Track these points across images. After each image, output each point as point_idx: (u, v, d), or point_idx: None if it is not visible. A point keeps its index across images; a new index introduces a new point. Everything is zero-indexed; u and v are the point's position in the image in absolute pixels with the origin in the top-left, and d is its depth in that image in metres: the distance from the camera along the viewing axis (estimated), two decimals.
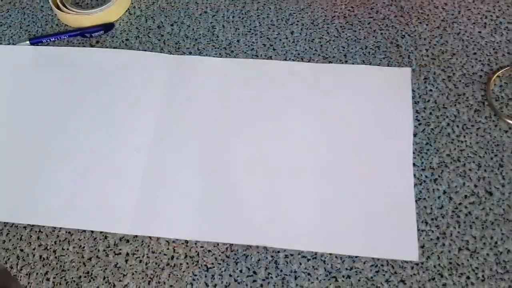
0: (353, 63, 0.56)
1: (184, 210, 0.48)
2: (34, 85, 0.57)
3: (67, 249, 0.47)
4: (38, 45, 0.60)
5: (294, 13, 0.61)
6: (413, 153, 0.50)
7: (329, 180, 0.49)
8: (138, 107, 0.54)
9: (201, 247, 0.47)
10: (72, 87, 0.56)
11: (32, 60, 0.59)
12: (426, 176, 0.49)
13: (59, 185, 0.50)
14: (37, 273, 0.46)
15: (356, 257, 0.45)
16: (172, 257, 0.46)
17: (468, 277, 0.44)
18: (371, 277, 0.44)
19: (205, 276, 0.45)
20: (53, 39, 0.60)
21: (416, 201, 0.48)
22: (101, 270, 0.46)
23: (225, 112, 0.54)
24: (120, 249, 0.47)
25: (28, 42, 0.60)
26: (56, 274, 0.46)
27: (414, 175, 0.49)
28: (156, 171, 0.50)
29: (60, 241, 0.48)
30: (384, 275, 0.44)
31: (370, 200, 0.48)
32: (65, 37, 0.60)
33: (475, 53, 0.57)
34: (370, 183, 0.49)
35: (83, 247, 0.47)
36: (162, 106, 0.54)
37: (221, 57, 0.58)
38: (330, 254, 0.45)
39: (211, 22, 0.61)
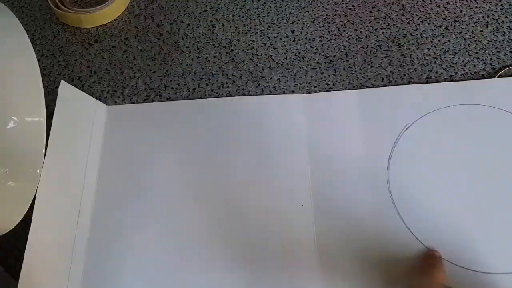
0: (354, 62, 0.56)
1: None
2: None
3: None
4: None
5: (295, 11, 0.61)
6: None
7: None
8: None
9: None
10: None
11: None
12: None
13: None
14: None
15: None
16: None
17: None
18: None
19: None
20: None
21: None
22: None
23: None
24: None
25: None
26: None
27: None
28: None
29: None
30: None
31: None
32: None
33: (477, 53, 0.56)
34: None
35: None
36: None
37: (220, 55, 0.57)
38: None
39: (210, 21, 0.61)
